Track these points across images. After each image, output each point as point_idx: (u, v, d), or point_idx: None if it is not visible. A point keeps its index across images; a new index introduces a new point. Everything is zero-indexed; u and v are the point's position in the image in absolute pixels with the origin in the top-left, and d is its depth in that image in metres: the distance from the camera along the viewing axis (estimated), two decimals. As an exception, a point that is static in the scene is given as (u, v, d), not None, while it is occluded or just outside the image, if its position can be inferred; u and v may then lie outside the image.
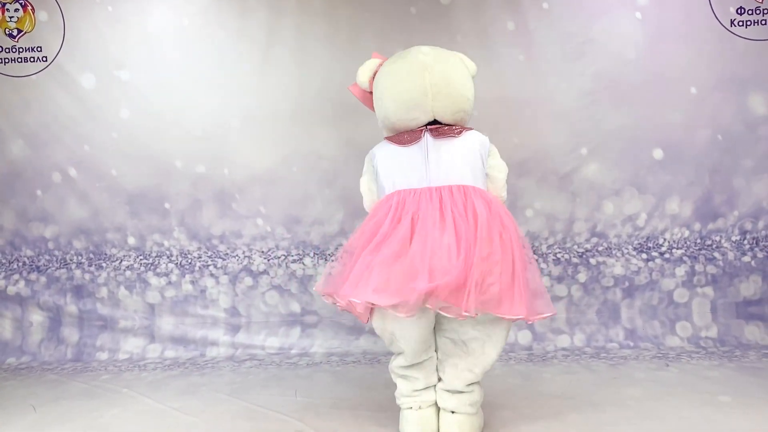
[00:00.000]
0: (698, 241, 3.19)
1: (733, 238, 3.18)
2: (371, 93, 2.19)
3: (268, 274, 3.31)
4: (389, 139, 2.13)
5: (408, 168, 2.05)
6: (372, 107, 2.21)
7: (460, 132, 2.09)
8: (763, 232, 3.17)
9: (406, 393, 2.07)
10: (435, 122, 2.09)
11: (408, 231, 1.90)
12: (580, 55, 3.13)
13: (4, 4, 3.23)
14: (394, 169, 2.07)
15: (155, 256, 3.34)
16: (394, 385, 2.10)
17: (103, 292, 3.34)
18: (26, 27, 3.24)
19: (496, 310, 1.84)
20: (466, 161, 2.07)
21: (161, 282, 3.34)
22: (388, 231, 1.92)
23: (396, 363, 2.07)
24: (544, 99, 3.14)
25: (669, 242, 3.20)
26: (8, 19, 3.24)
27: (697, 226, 3.19)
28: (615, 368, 2.76)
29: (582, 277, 3.22)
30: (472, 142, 2.10)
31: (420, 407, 2.05)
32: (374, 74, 2.18)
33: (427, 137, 2.07)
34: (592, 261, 3.22)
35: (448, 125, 2.10)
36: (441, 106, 2.08)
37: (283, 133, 3.23)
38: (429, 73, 2.06)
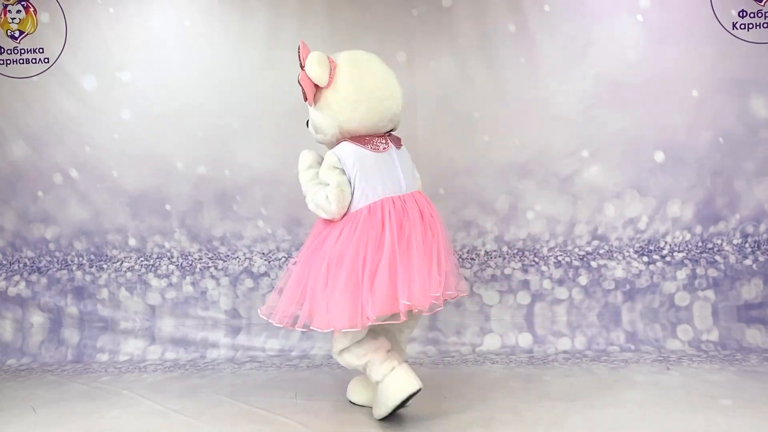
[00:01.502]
0: (699, 244, 3.18)
1: (735, 241, 3.17)
2: (322, 88, 2.19)
3: (268, 275, 3.31)
4: (358, 142, 2.18)
5: (385, 174, 2.17)
6: (312, 101, 2.21)
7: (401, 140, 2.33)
8: (765, 236, 3.16)
9: (383, 358, 2.14)
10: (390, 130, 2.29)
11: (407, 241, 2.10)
12: (581, 57, 3.12)
13: (6, 5, 3.24)
14: (373, 175, 2.15)
15: (156, 258, 3.34)
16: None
17: (104, 293, 3.34)
18: (28, 28, 3.24)
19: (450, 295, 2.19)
20: (414, 169, 2.33)
21: (162, 283, 3.34)
22: (402, 240, 2.09)
23: (360, 350, 2.19)
24: (545, 101, 3.14)
25: (670, 245, 3.19)
26: (10, 21, 3.24)
27: (698, 229, 3.18)
28: (616, 371, 2.76)
29: (583, 279, 3.21)
30: (406, 150, 2.33)
31: (399, 363, 2.14)
32: (331, 71, 2.17)
33: (392, 145, 2.24)
34: (593, 264, 3.21)
35: (391, 133, 2.29)
36: (400, 118, 2.28)
37: (284, 134, 3.22)
38: (398, 84, 2.25)
